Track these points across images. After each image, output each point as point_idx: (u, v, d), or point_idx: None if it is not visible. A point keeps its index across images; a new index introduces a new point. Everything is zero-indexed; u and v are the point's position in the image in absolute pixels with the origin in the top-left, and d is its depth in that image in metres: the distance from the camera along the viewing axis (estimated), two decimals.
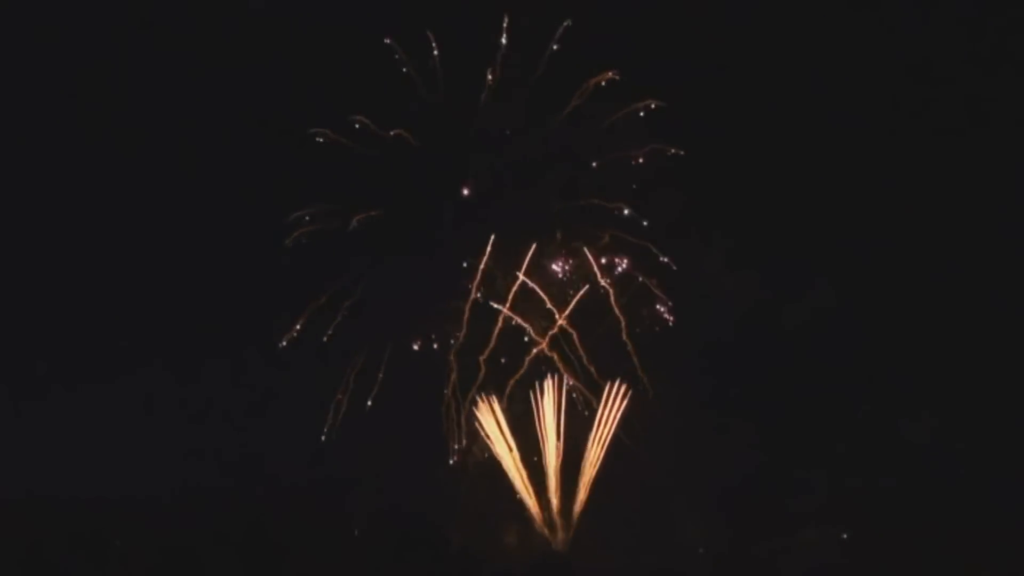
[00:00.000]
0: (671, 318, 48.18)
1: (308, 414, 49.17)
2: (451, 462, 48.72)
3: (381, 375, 48.40)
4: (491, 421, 48.23)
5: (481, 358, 48.21)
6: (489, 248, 48.05)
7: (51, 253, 51.57)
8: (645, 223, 48.02)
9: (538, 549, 48.01)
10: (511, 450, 48.28)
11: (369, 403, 48.32)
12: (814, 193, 47.51)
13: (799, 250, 47.90)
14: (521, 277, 48.07)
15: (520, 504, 48.63)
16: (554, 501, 48.42)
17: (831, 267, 47.75)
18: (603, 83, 47.78)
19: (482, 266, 48.19)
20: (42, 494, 48.53)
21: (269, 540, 47.01)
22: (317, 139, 48.42)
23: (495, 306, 48.58)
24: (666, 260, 47.94)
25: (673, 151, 47.65)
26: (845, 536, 47.39)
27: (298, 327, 48.47)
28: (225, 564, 46.28)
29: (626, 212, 47.98)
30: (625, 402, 47.61)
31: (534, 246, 48.16)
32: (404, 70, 48.52)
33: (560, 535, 48.47)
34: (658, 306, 48.19)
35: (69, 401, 50.20)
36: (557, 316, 48.26)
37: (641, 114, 47.78)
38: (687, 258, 47.91)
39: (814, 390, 47.91)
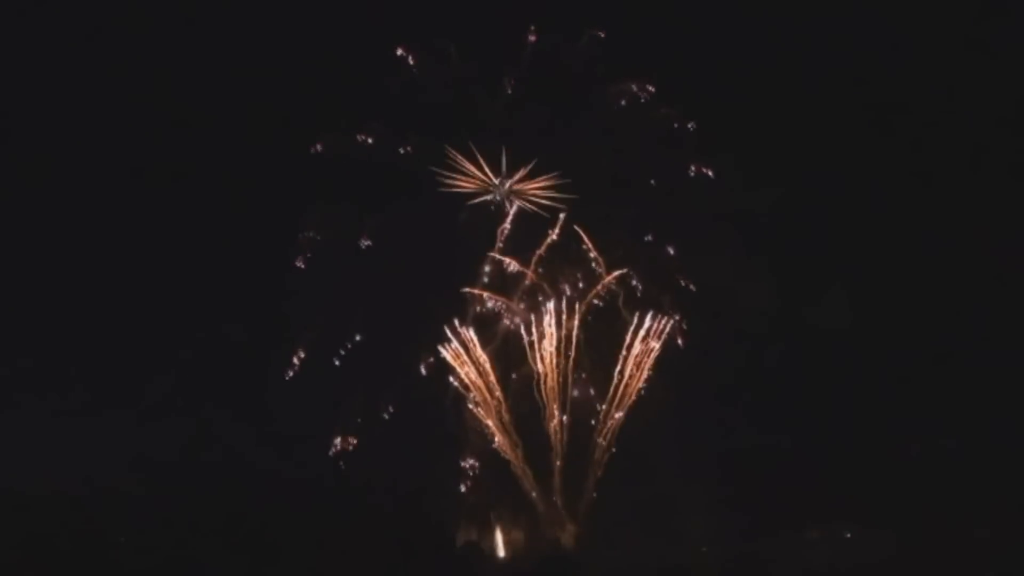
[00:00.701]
0: (682, 324, 48.85)
1: (319, 421, 49.35)
2: (460, 461, 48.89)
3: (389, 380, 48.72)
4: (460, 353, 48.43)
5: (487, 350, 48.67)
6: (499, 245, 48.66)
7: (60, 259, 51.69)
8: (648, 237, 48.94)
9: (545, 546, 48.16)
10: (517, 446, 48.62)
11: (386, 415, 48.45)
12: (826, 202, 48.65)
13: (815, 257, 49.03)
14: (530, 276, 48.68)
15: (526, 500, 48.93)
16: (559, 500, 48.82)
17: (846, 274, 48.93)
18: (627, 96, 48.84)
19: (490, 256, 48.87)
20: (45, 490, 47.99)
21: (274, 540, 46.86)
22: (324, 152, 48.86)
23: (501, 305, 49.11)
24: (681, 278, 48.88)
25: (701, 169, 48.48)
26: (848, 535, 47.88)
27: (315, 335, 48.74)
28: (231, 563, 46.08)
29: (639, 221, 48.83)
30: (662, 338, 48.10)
31: (543, 248, 48.90)
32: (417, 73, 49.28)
33: (567, 531, 48.70)
34: (670, 310, 48.87)
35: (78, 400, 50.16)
36: (565, 319, 48.82)
37: (675, 125, 48.73)
38: (697, 263, 48.71)
39: (817, 391, 48.64)
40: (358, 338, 48.63)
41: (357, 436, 48.91)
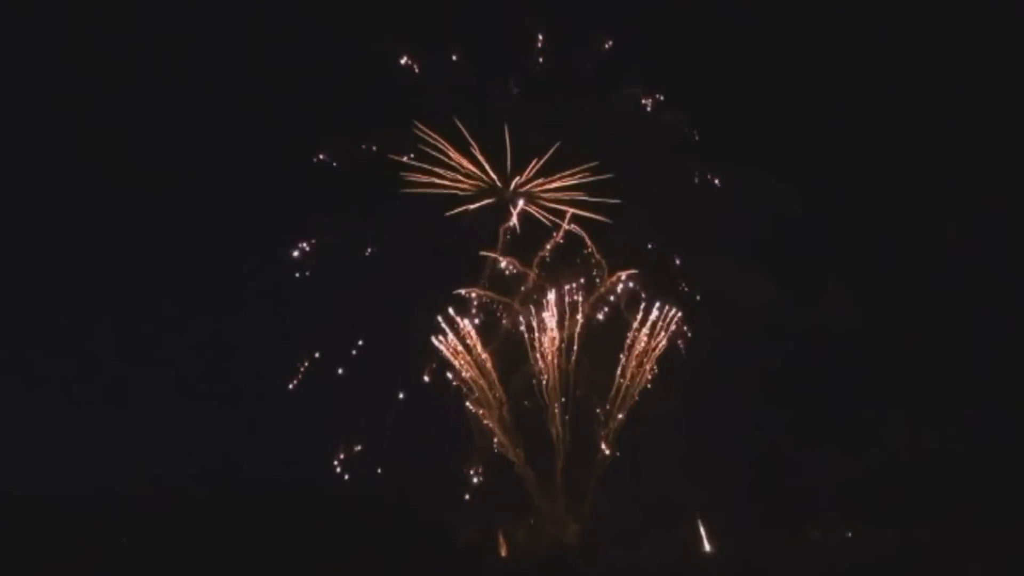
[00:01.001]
0: (684, 329, 48.98)
1: (323, 427, 49.34)
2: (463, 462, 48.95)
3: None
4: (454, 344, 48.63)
5: (488, 350, 48.76)
6: (501, 245, 48.84)
7: (66, 261, 51.57)
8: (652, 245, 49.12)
9: (547, 545, 48.29)
10: (518, 446, 48.84)
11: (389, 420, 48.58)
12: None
13: (815, 256, 49.26)
14: (532, 275, 48.85)
15: (528, 499, 49.10)
16: (561, 499, 48.99)
17: (846, 273, 49.04)
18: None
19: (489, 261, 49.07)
20: (50, 491, 47.95)
21: (276, 542, 46.86)
22: (327, 160, 48.93)
23: (502, 306, 49.27)
24: (686, 283, 49.05)
25: (707, 175, 48.63)
26: (850, 535, 48.05)
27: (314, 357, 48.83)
28: (232, 565, 46.09)
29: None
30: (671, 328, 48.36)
31: (547, 249, 49.07)
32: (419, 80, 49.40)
33: (570, 530, 48.87)
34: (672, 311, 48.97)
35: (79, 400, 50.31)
36: (568, 319, 48.93)
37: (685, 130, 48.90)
38: (702, 265, 48.89)
39: (818, 392, 48.87)
40: (361, 343, 48.63)
41: (360, 442, 48.92)
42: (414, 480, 48.28)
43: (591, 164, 48.09)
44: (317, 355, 48.68)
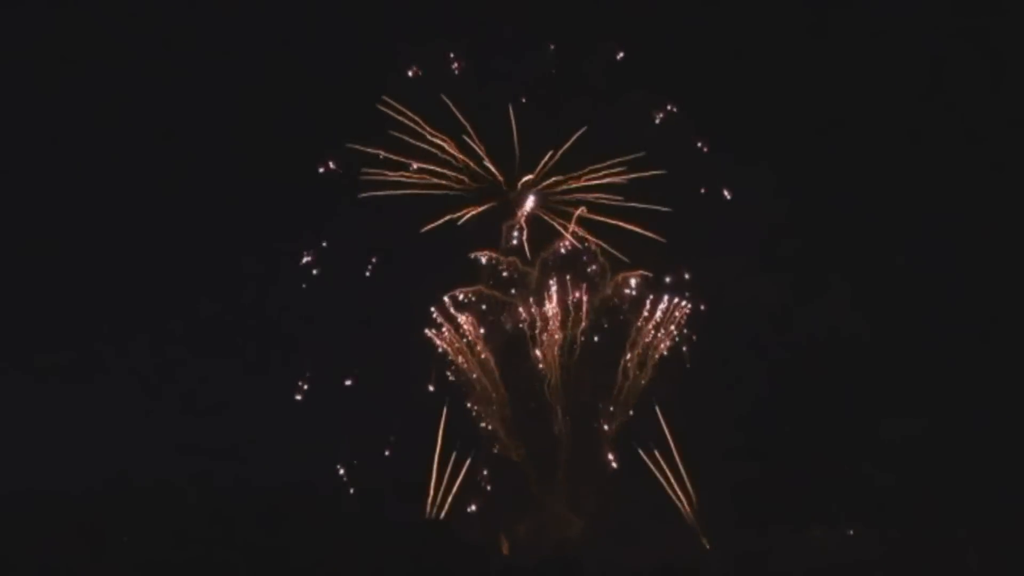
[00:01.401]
0: (688, 331, 49.32)
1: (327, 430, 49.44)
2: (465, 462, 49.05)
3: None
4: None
5: (489, 348, 48.97)
6: (510, 244, 49.17)
7: (76, 267, 51.83)
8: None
9: (549, 543, 48.32)
10: (521, 445, 48.96)
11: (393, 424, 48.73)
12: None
13: (819, 260, 49.57)
14: (535, 274, 49.17)
15: (531, 498, 49.22)
16: (564, 497, 49.12)
17: (848, 274, 49.45)
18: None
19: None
20: (50, 490, 47.79)
21: (278, 543, 46.79)
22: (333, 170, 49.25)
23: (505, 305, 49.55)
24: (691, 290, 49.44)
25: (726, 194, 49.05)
26: (851, 533, 48.19)
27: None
28: (237, 563, 45.96)
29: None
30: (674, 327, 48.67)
31: (550, 250, 49.44)
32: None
33: (573, 528, 48.93)
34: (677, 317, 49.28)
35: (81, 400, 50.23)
36: (571, 318, 49.23)
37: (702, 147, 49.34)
38: (706, 269, 49.24)
39: (819, 391, 49.10)
40: (364, 348, 48.84)
41: (363, 444, 49.02)
42: (416, 481, 48.42)
43: (613, 160, 48.45)
44: (322, 360, 48.94)
